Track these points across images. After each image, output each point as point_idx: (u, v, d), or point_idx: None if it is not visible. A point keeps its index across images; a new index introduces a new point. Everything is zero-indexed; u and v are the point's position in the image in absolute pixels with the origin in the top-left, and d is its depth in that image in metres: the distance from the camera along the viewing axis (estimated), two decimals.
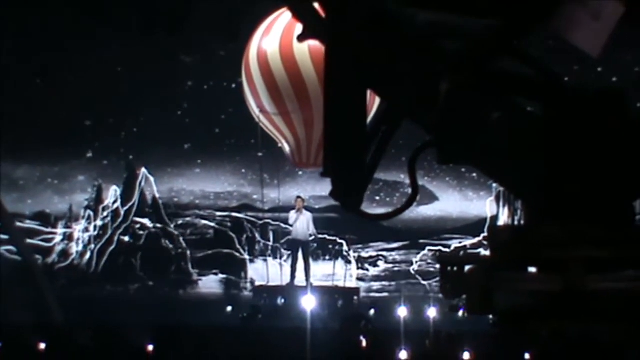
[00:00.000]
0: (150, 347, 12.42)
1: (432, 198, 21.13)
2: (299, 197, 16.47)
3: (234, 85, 15.81)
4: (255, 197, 20.35)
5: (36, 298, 14.78)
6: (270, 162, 16.53)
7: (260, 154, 15.46)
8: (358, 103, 4.64)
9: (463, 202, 20.73)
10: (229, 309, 16.86)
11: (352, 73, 4.52)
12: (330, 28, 4.53)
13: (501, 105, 4.39)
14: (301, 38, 4.76)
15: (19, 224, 18.89)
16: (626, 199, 4.38)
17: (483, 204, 20.42)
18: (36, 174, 20.97)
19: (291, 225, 16.33)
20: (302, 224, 16.06)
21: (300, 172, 19.68)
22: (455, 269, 4.38)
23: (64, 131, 20.36)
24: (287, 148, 14.87)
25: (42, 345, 12.39)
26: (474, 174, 20.43)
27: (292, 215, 16.18)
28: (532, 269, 4.40)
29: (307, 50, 13.76)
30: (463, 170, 20.54)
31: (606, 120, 4.30)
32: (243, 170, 20.59)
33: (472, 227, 20.28)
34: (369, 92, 4.46)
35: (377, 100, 11.96)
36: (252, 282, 19.29)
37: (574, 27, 4.62)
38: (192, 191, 21.01)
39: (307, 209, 16.91)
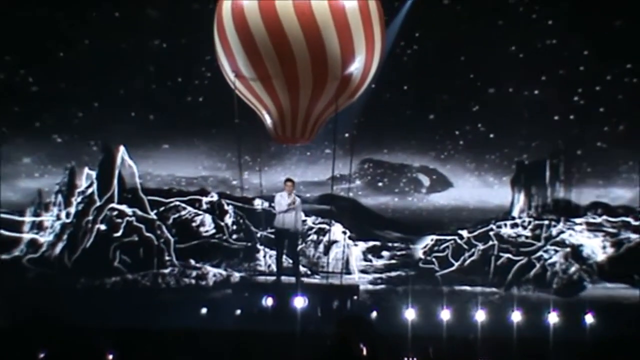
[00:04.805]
0: (111, 356, 9.84)
1: (445, 184, 19.20)
2: (288, 179, 14.26)
3: (210, 45, 13.12)
4: (234, 183, 18.73)
5: None
6: (251, 140, 14.36)
7: (238, 130, 13.26)
8: None
9: (482, 189, 18.90)
10: (204, 310, 15.27)
11: None
12: None
13: None
14: None
15: None
16: None
17: (505, 191, 18.81)
18: None
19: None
20: (290, 211, 13.79)
21: (289, 154, 18.22)
22: None
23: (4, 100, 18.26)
24: (268, 120, 12.68)
25: None
26: (494, 156, 18.71)
27: (279, 199, 13.96)
28: None
29: (291, 3, 11.67)
30: (481, 150, 18.77)
31: None
32: (220, 150, 18.67)
33: (493, 218, 18.75)
34: None
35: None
36: (242, 275, 17.75)
37: None
38: (160, 175, 19.06)
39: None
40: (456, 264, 18.38)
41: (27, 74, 18.35)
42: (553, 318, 14.10)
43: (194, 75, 17.83)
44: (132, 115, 18.44)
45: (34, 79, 18.37)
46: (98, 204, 18.64)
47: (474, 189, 18.93)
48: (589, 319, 14.32)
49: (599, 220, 18.34)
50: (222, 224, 18.81)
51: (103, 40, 18.14)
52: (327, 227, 17.99)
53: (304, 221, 16.12)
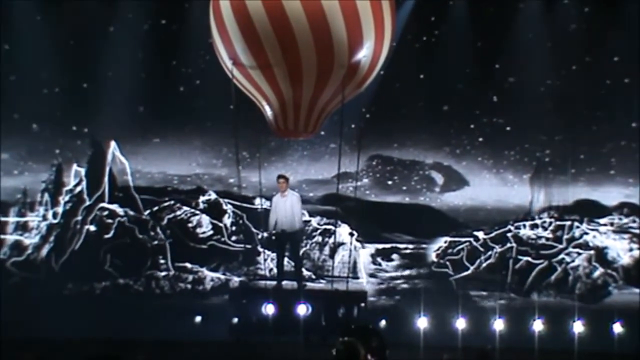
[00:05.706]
0: None
1: (460, 182, 18.86)
2: (280, 175, 14.28)
3: (205, 30, 12.89)
4: (231, 181, 18.37)
5: None
6: (249, 133, 14.22)
7: (235, 123, 13.18)
8: None
9: (500, 188, 18.59)
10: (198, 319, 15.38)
11: None
12: None
13: None
14: None
15: None
16: None
17: (526, 190, 18.52)
18: None
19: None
20: (286, 210, 13.80)
21: (290, 149, 17.94)
22: None
23: None
24: (268, 111, 12.45)
25: None
26: (514, 151, 18.33)
27: (275, 201, 13.99)
28: None
29: None
30: (499, 145, 18.39)
31: None
32: (215, 145, 18.31)
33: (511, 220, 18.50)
34: None
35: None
36: (242, 280, 17.71)
37: None
38: (150, 172, 18.69)
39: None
40: (471, 268, 18.26)
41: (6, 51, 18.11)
42: (578, 327, 14.06)
43: (187, 63, 17.62)
44: (119, 107, 18.11)
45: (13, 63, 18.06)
46: (87, 203, 18.52)
47: (491, 187, 18.68)
48: (618, 328, 14.25)
49: (625, 220, 18.17)
50: (221, 224, 18.66)
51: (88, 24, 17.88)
52: (332, 228, 17.72)
53: (308, 221, 16.08)
